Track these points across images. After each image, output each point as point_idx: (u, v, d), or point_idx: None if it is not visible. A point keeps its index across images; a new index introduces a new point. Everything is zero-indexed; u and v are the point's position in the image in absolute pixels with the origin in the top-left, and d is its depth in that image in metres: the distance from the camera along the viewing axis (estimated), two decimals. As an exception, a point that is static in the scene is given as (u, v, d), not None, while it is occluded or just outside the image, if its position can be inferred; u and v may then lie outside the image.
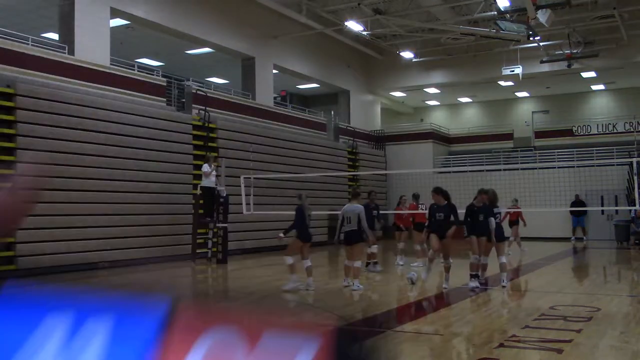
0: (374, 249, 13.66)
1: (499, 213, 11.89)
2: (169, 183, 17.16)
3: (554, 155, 28.38)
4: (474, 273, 10.74)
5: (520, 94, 34.13)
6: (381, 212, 27.92)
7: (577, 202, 23.09)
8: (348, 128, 28.27)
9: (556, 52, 25.93)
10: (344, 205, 12.09)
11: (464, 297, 10.03)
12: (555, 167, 25.77)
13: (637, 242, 21.76)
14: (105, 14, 16.67)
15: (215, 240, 16.41)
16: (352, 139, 28.04)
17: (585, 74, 28.31)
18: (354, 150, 27.80)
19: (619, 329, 6.93)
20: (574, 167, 25.07)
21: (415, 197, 15.16)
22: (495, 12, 19.45)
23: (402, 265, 14.78)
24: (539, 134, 32.18)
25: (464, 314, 8.15)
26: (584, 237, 24.35)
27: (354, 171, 27.03)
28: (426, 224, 11.65)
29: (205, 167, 16.23)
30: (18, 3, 18.52)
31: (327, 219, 24.65)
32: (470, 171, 25.91)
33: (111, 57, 16.97)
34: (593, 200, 24.71)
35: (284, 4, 22.22)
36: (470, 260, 10.73)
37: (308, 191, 23.69)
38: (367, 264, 13.51)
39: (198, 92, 19.30)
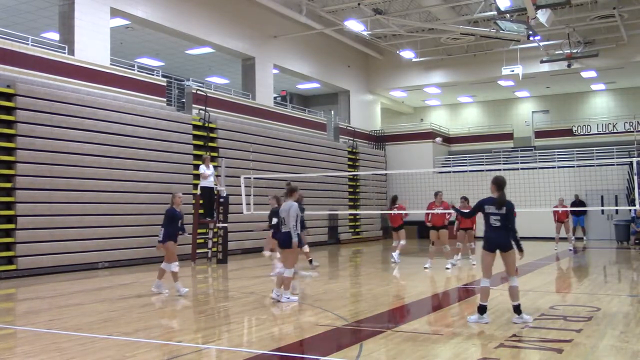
0: (306, 248, 14.24)
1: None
2: (169, 183, 17.16)
3: (554, 155, 28.40)
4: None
5: (520, 94, 34.14)
6: (383, 212, 28.12)
7: (577, 202, 23.09)
8: (348, 128, 28.28)
9: (556, 52, 25.94)
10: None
11: (464, 297, 10.03)
12: (555, 167, 25.78)
13: (637, 242, 21.77)
14: (105, 14, 16.67)
15: (215, 240, 16.42)
16: (352, 138, 28.04)
17: (585, 74, 28.31)
18: (354, 150, 27.80)
19: (619, 329, 6.92)
20: (574, 167, 25.09)
21: (465, 198, 14.88)
22: (495, 12, 19.44)
23: (399, 262, 15.41)
24: (539, 134, 32.20)
25: (464, 314, 8.15)
26: (584, 237, 24.35)
27: (354, 171, 27.05)
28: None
29: (202, 169, 16.25)
30: (18, 3, 18.51)
31: (327, 219, 24.67)
32: (470, 171, 25.93)
33: (111, 57, 16.97)
34: (593, 200, 24.72)
35: (284, 4, 22.22)
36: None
37: (308, 191, 23.83)
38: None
39: (198, 92, 19.30)
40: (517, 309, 7.36)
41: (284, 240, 9.17)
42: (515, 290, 7.40)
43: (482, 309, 7.43)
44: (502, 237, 7.46)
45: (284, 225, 9.17)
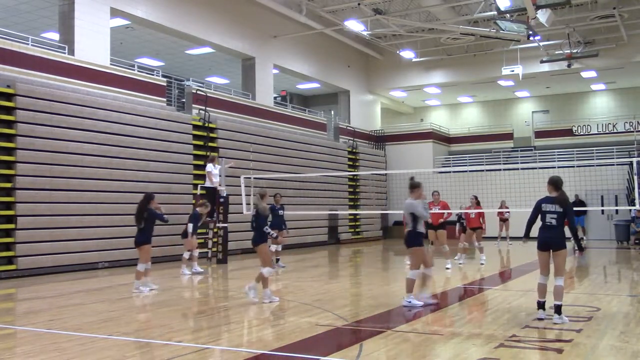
0: (276, 248, 14.68)
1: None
2: (169, 183, 17.17)
3: (554, 155, 28.40)
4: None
5: (520, 94, 34.14)
6: (384, 212, 28.11)
7: (577, 202, 23.08)
8: (348, 128, 28.28)
9: (556, 52, 25.94)
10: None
11: (464, 297, 10.03)
12: (555, 167, 25.78)
13: (637, 242, 21.77)
14: (105, 14, 16.67)
15: (215, 240, 16.41)
16: (352, 138, 28.05)
17: (585, 74, 28.31)
18: (354, 150, 27.80)
19: (619, 329, 6.92)
20: (574, 167, 25.09)
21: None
22: (495, 12, 19.43)
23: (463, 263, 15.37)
24: (539, 134, 32.21)
25: (464, 314, 8.15)
26: (584, 237, 24.34)
27: (354, 171, 27.06)
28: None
29: (210, 167, 16.17)
30: (18, 3, 18.51)
31: (327, 219, 24.67)
32: (470, 171, 25.93)
33: (111, 57, 16.97)
34: (593, 200, 24.71)
35: (284, 4, 22.22)
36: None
37: (308, 191, 23.85)
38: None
39: (198, 92, 19.30)
40: (558, 309, 7.23)
41: (405, 240, 9.01)
42: (559, 289, 7.28)
43: (540, 305, 7.49)
44: (555, 236, 7.44)
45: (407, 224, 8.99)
